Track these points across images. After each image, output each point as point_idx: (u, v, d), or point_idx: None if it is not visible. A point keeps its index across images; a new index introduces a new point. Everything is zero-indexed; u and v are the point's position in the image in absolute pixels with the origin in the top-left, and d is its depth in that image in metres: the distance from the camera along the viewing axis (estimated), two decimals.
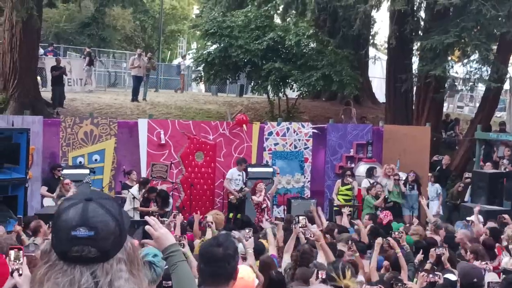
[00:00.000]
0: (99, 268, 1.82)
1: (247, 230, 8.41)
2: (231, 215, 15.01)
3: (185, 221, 11.66)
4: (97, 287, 1.81)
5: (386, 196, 15.63)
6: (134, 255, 1.93)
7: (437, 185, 16.76)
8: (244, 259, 7.65)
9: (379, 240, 8.04)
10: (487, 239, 10.18)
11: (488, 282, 6.88)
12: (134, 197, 13.85)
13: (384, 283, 7.01)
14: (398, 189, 15.84)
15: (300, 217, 8.92)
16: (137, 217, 13.30)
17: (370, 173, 16.29)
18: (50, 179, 14.09)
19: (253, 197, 14.86)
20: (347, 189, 15.91)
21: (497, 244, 9.86)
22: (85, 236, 1.81)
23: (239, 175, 15.59)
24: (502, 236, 10.19)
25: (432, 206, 16.23)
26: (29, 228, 9.89)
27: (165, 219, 11.13)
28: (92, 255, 1.81)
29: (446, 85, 21.01)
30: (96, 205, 1.87)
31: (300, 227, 8.66)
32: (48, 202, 13.46)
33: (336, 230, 10.96)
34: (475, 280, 6.09)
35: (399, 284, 6.05)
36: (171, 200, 14.71)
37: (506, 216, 12.25)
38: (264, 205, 14.82)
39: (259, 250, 7.90)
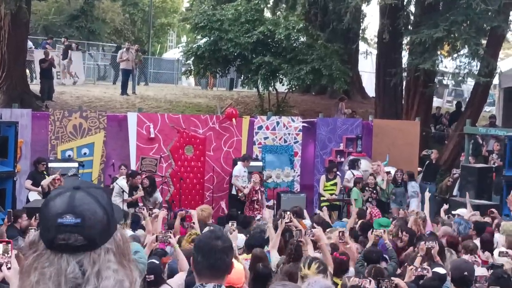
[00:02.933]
0: (86, 258, 1.79)
1: (230, 224, 8.40)
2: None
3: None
4: (84, 276, 1.78)
5: (375, 191, 15.66)
6: (124, 246, 1.89)
7: (413, 183, 16.67)
8: None
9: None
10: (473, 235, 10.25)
11: (476, 277, 6.90)
12: (123, 190, 13.79)
13: (369, 276, 7.04)
14: (389, 189, 15.87)
15: (286, 213, 8.96)
16: (125, 208, 13.27)
17: (354, 164, 16.36)
18: (35, 173, 13.96)
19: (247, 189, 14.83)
20: (331, 185, 15.94)
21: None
22: (72, 224, 1.78)
23: (245, 171, 15.56)
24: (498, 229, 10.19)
25: (411, 203, 16.27)
26: (19, 225, 9.86)
27: (156, 210, 11.13)
28: (79, 243, 1.78)
29: (435, 79, 21.07)
30: (83, 193, 1.85)
31: (285, 222, 8.68)
32: (34, 195, 13.36)
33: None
34: (465, 273, 6.09)
35: (386, 281, 6.06)
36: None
37: (494, 210, 12.29)
38: (255, 198, 14.78)
39: (252, 244, 7.88)
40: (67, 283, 1.77)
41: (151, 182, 14.39)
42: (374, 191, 15.50)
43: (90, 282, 1.78)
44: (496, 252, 8.39)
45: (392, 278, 6.29)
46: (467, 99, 25.68)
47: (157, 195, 14.50)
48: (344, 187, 16.06)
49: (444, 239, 9.59)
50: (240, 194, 15.22)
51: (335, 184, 15.96)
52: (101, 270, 1.80)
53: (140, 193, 14.00)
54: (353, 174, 16.06)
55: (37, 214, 9.95)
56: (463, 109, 23.66)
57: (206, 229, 8.93)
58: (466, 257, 8.01)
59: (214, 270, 3.37)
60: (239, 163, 15.68)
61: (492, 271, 7.28)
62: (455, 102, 27.96)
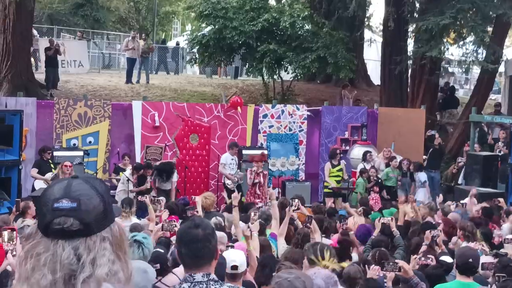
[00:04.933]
0: (82, 244, 1.79)
1: (252, 214, 8.39)
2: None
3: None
4: (79, 263, 1.77)
5: (381, 180, 15.60)
6: (120, 238, 1.89)
7: (420, 174, 16.50)
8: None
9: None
10: (480, 219, 10.24)
11: (482, 263, 6.89)
12: (128, 179, 13.81)
13: (373, 260, 7.05)
14: (395, 174, 15.83)
15: (294, 200, 8.94)
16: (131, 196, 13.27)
17: (365, 157, 16.24)
18: (40, 161, 14.01)
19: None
20: (337, 170, 15.85)
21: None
22: (67, 208, 1.79)
23: (232, 159, 15.54)
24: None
25: (418, 193, 16.18)
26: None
27: (161, 197, 11.15)
28: (74, 227, 1.78)
29: (441, 67, 21.00)
30: (81, 180, 1.87)
31: (293, 210, 8.67)
32: (40, 184, 13.39)
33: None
34: (470, 260, 6.07)
35: (391, 264, 6.06)
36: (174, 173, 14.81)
37: (501, 199, 12.27)
38: (256, 181, 14.76)
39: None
40: (62, 269, 1.76)
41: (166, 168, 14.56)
42: (378, 180, 15.45)
43: (85, 269, 1.77)
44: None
45: (396, 260, 6.28)
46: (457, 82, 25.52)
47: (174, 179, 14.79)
48: (350, 176, 16.03)
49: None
50: (227, 182, 15.25)
51: (341, 169, 15.86)
52: (97, 257, 1.79)
53: (146, 184, 14.03)
54: (364, 166, 15.94)
55: None
56: (458, 94, 23.56)
57: (213, 219, 8.95)
58: (472, 244, 8.00)
59: (198, 259, 3.33)
60: (227, 151, 15.68)
61: (498, 259, 7.28)
62: (462, 91, 27.88)
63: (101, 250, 1.81)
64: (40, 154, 14.12)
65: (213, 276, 3.30)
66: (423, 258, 7.13)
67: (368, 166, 15.89)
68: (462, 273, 6.08)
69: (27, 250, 1.82)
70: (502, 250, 7.90)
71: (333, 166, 15.88)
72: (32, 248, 1.81)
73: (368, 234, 9.10)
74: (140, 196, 10.58)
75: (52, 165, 13.69)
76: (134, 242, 5.41)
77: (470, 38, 19.73)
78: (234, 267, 5.25)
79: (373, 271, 6.14)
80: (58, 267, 1.76)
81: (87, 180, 1.87)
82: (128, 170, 14.28)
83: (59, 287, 1.76)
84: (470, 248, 6.79)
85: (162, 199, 11.10)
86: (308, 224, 8.36)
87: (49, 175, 13.26)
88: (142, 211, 10.84)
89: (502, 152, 16.94)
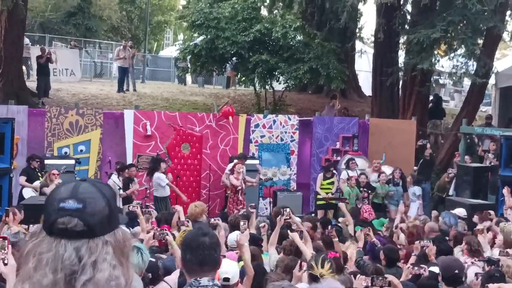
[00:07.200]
0: (84, 245, 1.81)
1: (242, 223, 8.41)
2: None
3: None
4: (80, 263, 1.79)
5: (370, 192, 15.63)
6: (124, 244, 1.90)
7: (415, 187, 16.64)
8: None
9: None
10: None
11: (476, 273, 6.93)
12: (120, 188, 13.81)
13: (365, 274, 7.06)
14: (383, 190, 15.85)
15: (285, 210, 8.94)
16: (120, 205, 13.25)
17: (348, 164, 16.32)
18: (28, 169, 13.95)
19: (232, 178, 14.80)
20: (328, 183, 15.88)
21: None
22: (73, 208, 1.81)
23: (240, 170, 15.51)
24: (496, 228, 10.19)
25: (412, 206, 16.25)
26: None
27: (152, 209, 11.12)
28: (78, 228, 1.80)
29: (431, 79, 21.09)
30: (88, 183, 1.90)
31: (284, 219, 8.66)
32: (28, 192, 13.31)
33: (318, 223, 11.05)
34: (456, 271, 6.10)
35: (380, 278, 6.08)
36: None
37: (491, 212, 12.31)
38: (239, 188, 14.71)
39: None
40: (63, 269, 1.78)
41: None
42: (368, 191, 15.47)
43: (85, 271, 1.79)
44: (496, 252, 8.41)
45: (386, 275, 6.30)
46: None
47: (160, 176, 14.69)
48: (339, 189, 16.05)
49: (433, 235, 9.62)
50: (228, 192, 15.24)
51: (332, 183, 15.92)
52: (98, 261, 1.81)
53: (135, 186, 14.04)
54: (348, 174, 16.00)
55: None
56: (448, 104, 23.62)
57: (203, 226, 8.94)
58: (458, 253, 8.01)
59: (203, 266, 3.42)
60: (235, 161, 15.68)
61: (488, 268, 7.30)
62: (452, 103, 27.98)
63: (102, 253, 1.82)
64: (28, 162, 14.09)
65: (216, 281, 3.40)
66: (416, 268, 7.16)
67: (352, 174, 15.94)
68: (449, 284, 6.10)
69: (30, 249, 1.84)
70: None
71: (325, 178, 15.90)
72: (34, 247, 1.83)
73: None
74: (131, 206, 10.56)
75: (39, 174, 13.62)
76: (133, 247, 5.41)
77: (461, 51, 19.85)
78: (226, 279, 5.25)
79: (360, 281, 6.16)
80: (59, 267, 1.78)
81: (94, 183, 1.90)
82: (114, 175, 14.30)
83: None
84: (453, 259, 6.82)
85: (153, 210, 11.08)
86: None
87: (37, 183, 13.22)
88: (131, 221, 10.79)
89: (492, 164, 17.02)
